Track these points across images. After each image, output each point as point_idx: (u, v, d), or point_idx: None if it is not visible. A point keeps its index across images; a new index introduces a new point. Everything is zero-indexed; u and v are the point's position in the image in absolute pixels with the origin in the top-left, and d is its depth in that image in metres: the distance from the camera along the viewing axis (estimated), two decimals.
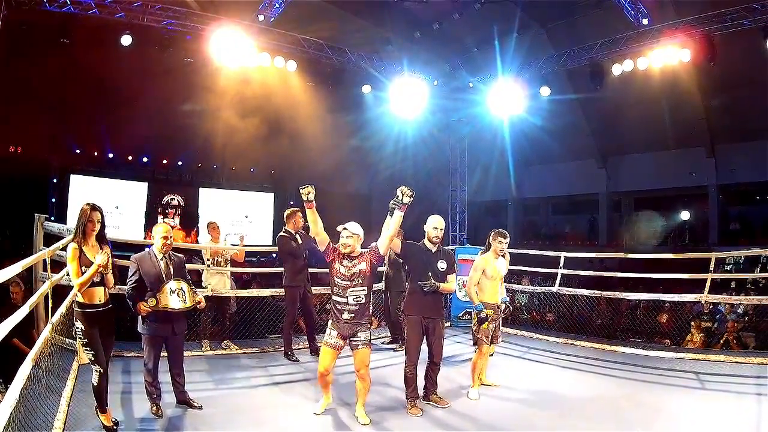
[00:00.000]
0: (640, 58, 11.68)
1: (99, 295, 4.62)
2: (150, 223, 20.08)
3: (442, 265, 5.68)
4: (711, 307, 10.91)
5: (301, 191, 5.04)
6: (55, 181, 19.43)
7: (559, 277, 9.70)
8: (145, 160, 21.51)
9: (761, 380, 6.69)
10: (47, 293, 5.01)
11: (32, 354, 4.19)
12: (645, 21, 11.42)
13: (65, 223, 7.14)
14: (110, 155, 20.57)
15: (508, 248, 6.64)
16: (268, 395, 6.17)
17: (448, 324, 10.28)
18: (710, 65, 11.46)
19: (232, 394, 6.11)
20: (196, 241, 19.23)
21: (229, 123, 18.01)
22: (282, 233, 7.80)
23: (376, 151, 20.83)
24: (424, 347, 5.74)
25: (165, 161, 22.04)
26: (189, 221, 22.03)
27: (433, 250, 5.72)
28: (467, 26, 15.61)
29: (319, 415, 5.37)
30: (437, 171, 18.97)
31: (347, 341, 5.17)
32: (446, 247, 6.06)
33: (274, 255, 13.51)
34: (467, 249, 11.01)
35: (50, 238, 6.34)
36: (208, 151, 21.25)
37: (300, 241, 7.65)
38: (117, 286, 5.30)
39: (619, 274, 10.05)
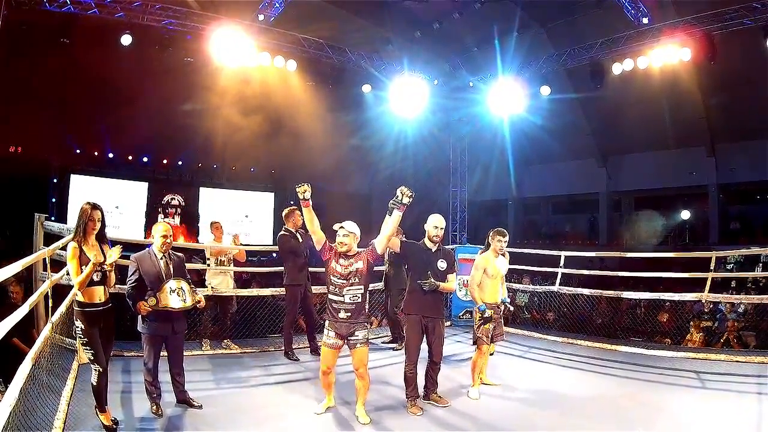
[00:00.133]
0: (640, 57, 11.66)
1: (99, 294, 4.62)
2: (150, 223, 20.06)
3: (442, 265, 5.67)
4: (711, 306, 10.90)
5: (297, 190, 5.02)
6: (55, 181, 19.44)
7: (559, 276, 9.69)
8: (145, 159, 21.53)
9: (762, 379, 6.69)
10: (47, 292, 5.01)
11: (32, 353, 4.20)
12: (645, 20, 11.40)
13: (65, 223, 7.14)
14: (110, 155, 20.60)
15: (508, 247, 6.65)
16: (268, 394, 6.17)
17: (448, 323, 10.28)
18: (710, 64, 11.44)
19: (232, 394, 6.11)
20: (197, 241, 19.27)
21: (230, 122, 18.04)
22: (282, 232, 7.80)
23: (376, 151, 20.84)
24: (425, 346, 5.73)
25: (165, 161, 22.05)
26: (189, 221, 22.05)
27: (433, 249, 5.71)
28: (467, 26, 15.61)
29: (319, 415, 5.37)
30: (437, 170, 18.97)
31: (345, 340, 5.16)
32: (446, 247, 6.04)
33: (274, 255, 13.49)
34: (467, 248, 11.00)
35: (50, 238, 6.35)
36: (208, 150, 21.28)
37: (300, 240, 7.66)
38: (117, 286, 5.30)
39: (620, 273, 10.05)
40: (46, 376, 4.93)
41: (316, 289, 8.39)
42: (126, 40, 10.70)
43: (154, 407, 5.16)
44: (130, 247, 5.76)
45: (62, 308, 5.46)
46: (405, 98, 13.58)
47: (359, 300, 5.13)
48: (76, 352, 6.24)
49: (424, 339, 5.72)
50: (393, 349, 8.46)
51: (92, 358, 4.57)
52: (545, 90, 13.48)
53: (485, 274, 6.35)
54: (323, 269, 5.34)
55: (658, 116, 18.10)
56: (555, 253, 9.90)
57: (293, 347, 7.81)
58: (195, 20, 10.97)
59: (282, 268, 7.94)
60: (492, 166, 22.06)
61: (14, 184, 16.60)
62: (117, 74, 14.64)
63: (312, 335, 7.91)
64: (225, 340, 8.18)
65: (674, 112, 17.84)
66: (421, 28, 15.67)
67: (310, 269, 7.89)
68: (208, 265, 8.13)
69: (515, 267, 9.77)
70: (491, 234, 6.51)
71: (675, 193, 21.75)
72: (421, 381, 5.80)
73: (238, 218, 22.66)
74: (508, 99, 13.58)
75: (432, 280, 5.50)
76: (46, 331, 4.74)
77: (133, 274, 5.09)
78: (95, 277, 4.51)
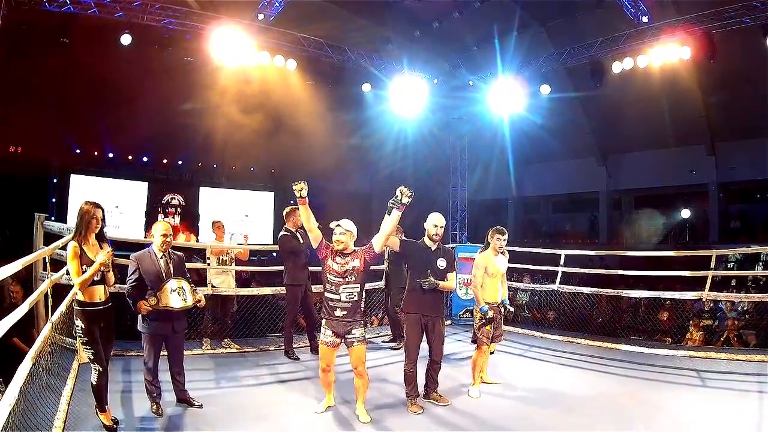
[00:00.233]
0: (640, 56, 11.66)
1: (99, 293, 4.61)
2: (150, 222, 20.07)
3: (441, 263, 5.66)
4: (712, 304, 10.90)
5: (293, 187, 5.01)
6: (55, 181, 19.45)
7: (559, 275, 9.69)
8: (145, 159, 21.53)
9: (762, 378, 6.70)
10: (47, 292, 5.01)
11: (32, 353, 4.19)
12: (645, 19, 11.39)
13: (65, 223, 7.14)
14: (110, 155, 20.60)
15: (507, 246, 6.65)
16: (268, 393, 6.17)
17: (448, 322, 10.29)
18: (710, 63, 11.42)
19: (232, 393, 6.11)
20: (197, 240, 19.28)
21: (230, 122, 18.04)
22: (283, 232, 7.80)
23: (376, 150, 20.83)
24: (425, 345, 5.73)
25: (165, 161, 22.06)
26: (189, 221, 22.06)
27: (433, 248, 5.71)
28: (467, 25, 15.60)
29: (320, 414, 5.38)
30: (437, 169, 18.96)
31: (342, 338, 5.16)
32: (446, 246, 6.03)
33: (274, 254, 13.50)
34: (468, 247, 11.01)
35: (50, 238, 6.35)
36: (208, 150, 21.28)
37: (301, 240, 7.65)
38: (117, 285, 5.31)
39: (620, 272, 10.05)
40: (46, 375, 4.93)
41: (315, 288, 8.39)
42: (126, 39, 10.70)
43: (155, 407, 5.16)
44: (130, 247, 5.76)
45: (62, 308, 5.46)
46: (405, 97, 13.59)
47: (355, 298, 5.13)
48: (76, 351, 6.24)
49: (425, 338, 5.72)
50: (392, 348, 8.46)
51: (92, 357, 4.57)
52: (545, 89, 13.48)
53: (485, 273, 6.35)
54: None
55: (658, 115, 18.07)
56: (555, 251, 9.90)
57: (293, 346, 7.81)
58: (194, 20, 10.97)
59: (282, 267, 7.95)
60: (492, 165, 22.04)
61: (14, 184, 16.60)
62: (117, 74, 14.63)
63: (312, 334, 7.91)
64: (225, 340, 8.19)
65: (674, 110, 17.82)
66: (420, 27, 15.67)
67: (310, 268, 7.89)
68: (209, 264, 8.13)
69: (516, 266, 9.82)
70: (490, 232, 6.50)
71: (675, 192, 21.72)
72: (421, 380, 5.79)
73: (238, 218, 22.66)
74: (508, 98, 13.58)
75: (431, 278, 5.49)
76: (46, 331, 4.74)
77: (133, 273, 5.09)
78: (95, 277, 4.51)
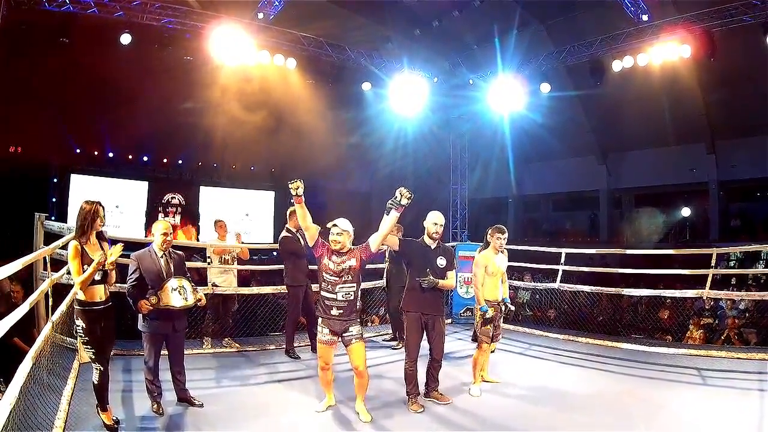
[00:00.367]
0: (640, 54, 11.66)
1: (100, 293, 4.61)
2: (150, 222, 20.08)
3: (441, 262, 5.66)
4: (712, 303, 10.90)
5: (290, 186, 4.97)
6: (55, 180, 19.45)
7: (560, 273, 9.68)
8: (145, 159, 21.55)
9: (763, 376, 6.69)
10: (47, 291, 5.01)
11: (32, 352, 4.19)
12: (645, 17, 11.39)
13: (65, 223, 7.13)
14: (110, 154, 20.61)
15: (507, 244, 6.64)
16: (269, 393, 6.17)
17: (449, 321, 10.29)
18: (710, 61, 11.42)
19: (233, 392, 6.11)
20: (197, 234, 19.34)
21: (230, 121, 18.05)
22: (285, 233, 7.80)
23: (376, 149, 20.84)
24: (425, 344, 5.73)
25: (165, 160, 22.07)
26: (190, 220, 22.07)
27: (433, 247, 5.70)
28: (467, 23, 15.61)
29: (320, 413, 5.38)
30: (437, 168, 18.99)
31: (340, 336, 5.14)
32: (446, 244, 6.03)
33: (274, 253, 13.50)
34: (468, 246, 11.01)
35: (50, 238, 6.34)
36: (208, 149, 21.30)
37: (302, 242, 7.65)
38: (117, 285, 5.31)
39: (620, 270, 10.05)
40: (47, 375, 4.93)
41: (315, 287, 8.38)
42: (125, 39, 10.71)
43: (155, 406, 5.16)
44: (130, 246, 5.76)
45: (63, 307, 5.46)
46: (405, 96, 13.60)
47: (352, 297, 5.12)
48: (76, 351, 6.24)
49: (425, 336, 5.72)
50: (392, 347, 8.46)
51: (93, 357, 4.57)
52: (545, 87, 13.49)
53: (485, 271, 6.34)
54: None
55: (658, 113, 18.08)
56: (556, 250, 9.90)
57: (294, 345, 7.82)
58: (194, 19, 10.98)
59: (282, 266, 7.96)
60: (492, 163, 22.07)
61: (14, 184, 16.60)
62: (116, 73, 14.63)
63: (313, 333, 7.89)
64: (225, 339, 8.19)
65: (674, 109, 17.82)
66: (420, 25, 15.68)
67: (310, 267, 7.89)
68: (209, 264, 8.12)
69: (516, 264, 9.84)
70: (490, 231, 6.50)
71: (675, 190, 21.72)
72: (421, 378, 5.79)
73: (238, 217, 22.66)
74: (508, 96, 13.60)
75: (431, 277, 5.49)
76: (46, 331, 4.74)
77: (133, 272, 5.09)
78: (96, 276, 4.51)
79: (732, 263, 16.83)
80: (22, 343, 5.73)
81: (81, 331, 4.54)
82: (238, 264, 8.51)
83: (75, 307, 4.59)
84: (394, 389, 6.20)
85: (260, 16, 11.55)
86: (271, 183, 24.28)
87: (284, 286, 7.97)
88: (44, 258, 5.58)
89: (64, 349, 6.11)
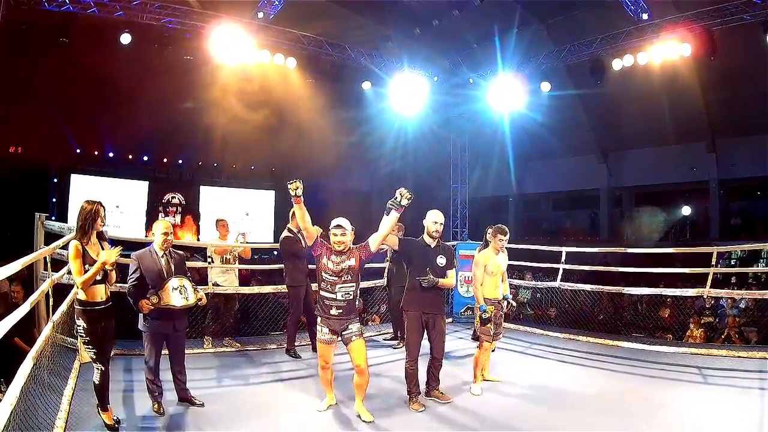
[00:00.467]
0: (640, 53, 11.67)
1: (100, 293, 4.61)
2: (151, 222, 20.09)
3: (441, 261, 5.65)
4: (713, 302, 10.91)
5: (288, 186, 4.91)
6: (55, 180, 19.45)
7: (560, 272, 9.68)
8: (145, 158, 21.55)
9: (763, 375, 6.69)
10: (48, 291, 5.01)
11: (33, 352, 4.19)
12: (645, 16, 11.40)
13: (66, 223, 7.13)
14: (110, 154, 20.63)
15: (508, 244, 6.63)
16: (270, 392, 6.17)
17: (449, 320, 10.28)
18: (710, 60, 11.44)
19: (234, 392, 6.11)
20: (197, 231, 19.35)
21: (230, 120, 18.03)
22: (286, 233, 7.79)
23: (376, 148, 20.84)
24: (426, 343, 5.73)
25: (165, 160, 22.08)
26: (191, 218, 22.09)
27: (432, 245, 5.69)
28: (467, 22, 15.60)
29: (322, 412, 5.38)
30: (438, 167, 18.99)
31: (339, 335, 5.13)
32: (447, 243, 6.03)
33: (275, 252, 13.51)
34: (468, 244, 11.01)
35: (51, 238, 6.34)
36: (208, 149, 21.30)
37: (303, 243, 7.65)
38: (117, 285, 5.31)
39: (621, 269, 10.04)
40: (48, 375, 4.93)
41: (315, 286, 8.38)
42: (125, 38, 10.73)
43: (156, 406, 5.15)
44: (131, 246, 5.76)
45: (63, 307, 5.46)
46: (405, 95, 13.62)
47: (351, 297, 5.11)
48: (77, 351, 6.24)
49: (426, 335, 5.72)
50: (393, 347, 8.46)
51: (94, 357, 4.57)
52: (545, 86, 13.51)
53: (485, 271, 6.34)
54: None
55: (659, 112, 18.07)
56: (556, 248, 9.90)
57: (295, 344, 7.82)
58: (194, 18, 10.98)
59: (282, 265, 7.96)
60: (492, 162, 22.09)
61: (15, 185, 16.60)
62: (117, 73, 14.63)
63: (313, 332, 7.89)
64: (226, 338, 8.19)
65: (674, 107, 17.81)
66: (420, 25, 15.67)
67: (309, 266, 7.88)
68: (210, 263, 8.11)
69: (517, 263, 9.84)
70: (492, 232, 6.49)
71: (676, 189, 21.73)
72: (422, 377, 5.79)
73: (238, 216, 22.66)
74: (509, 95, 13.62)
75: (431, 276, 5.48)
76: (47, 331, 4.74)
77: (134, 272, 5.08)
78: (97, 276, 4.51)
79: (733, 262, 16.82)
80: (22, 344, 5.73)
81: (82, 331, 4.53)
82: (239, 263, 8.50)
83: (76, 307, 4.59)
84: (394, 388, 6.20)
85: (260, 15, 11.56)
86: (271, 182, 24.29)
87: (284, 286, 7.96)
88: (45, 258, 5.58)
89: (64, 349, 6.10)
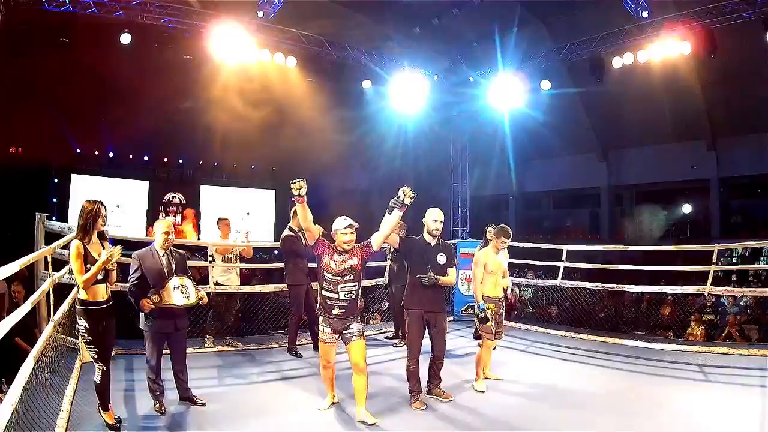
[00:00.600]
0: (640, 51, 11.65)
1: (102, 292, 4.61)
2: (151, 221, 20.05)
3: (441, 258, 5.65)
4: (713, 299, 10.91)
5: (292, 186, 4.89)
6: (56, 181, 19.45)
7: (561, 270, 9.69)
8: (146, 158, 21.55)
9: (764, 372, 6.69)
10: (49, 291, 5.01)
11: (34, 352, 4.20)
12: (645, 14, 11.37)
13: (67, 223, 7.13)
14: (111, 154, 20.64)
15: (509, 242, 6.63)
16: (271, 391, 6.18)
17: (451, 318, 10.29)
18: (711, 58, 11.41)
19: (235, 391, 6.12)
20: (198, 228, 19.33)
21: (230, 120, 17.99)
22: (288, 232, 7.79)
23: (376, 147, 20.82)
24: (427, 341, 5.73)
25: (166, 159, 22.07)
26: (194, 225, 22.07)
27: (433, 244, 5.70)
28: (467, 21, 15.57)
29: (323, 411, 5.38)
30: (438, 166, 18.95)
31: (340, 334, 5.12)
32: (447, 241, 6.03)
33: (275, 251, 13.51)
34: (469, 243, 11.03)
35: (52, 238, 6.34)
36: (208, 148, 21.26)
37: (304, 242, 7.64)
38: (119, 284, 5.31)
39: (622, 267, 10.05)
40: (49, 375, 4.94)
41: (315, 285, 8.38)
42: (125, 38, 10.72)
43: (157, 405, 5.15)
44: (132, 246, 5.76)
45: (64, 307, 5.46)
46: (405, 94, 13.60)
47: (354, 297, 5.10)
48: (78, 351, 6.24)
49: (427, 334, 5.72)
50: (394, 345, 8.47)
51: (96, 356, 4.57)
52: (545, 84, 13.48)
53: (485, 269, 6.35)
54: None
55: (659, 110, 18.08)
56: (557, 246, 9.90)
57: (296, 343, 7.82)
58: (194, 18, 10.97)
59: (281, 264, 7.97)
60: (493, 161, 22.11)
61: (15, 185, 16.59)
62: (117, 73, 14.61)
63: (314, 331, 7.90)
64: (227, 337, 8.19)
65: (675, 106, 17.81)
66: (420, 24, 15.65)
67: (309, 265, 7.88)
68: (211, 262, 8.10)
69: (518, 261, 9.84)
70: (494, 232, 6.49)
71: (676, 187, 21.75)
72: (423, 375, 5.80)
73: (239, 215, 22.64)
74: (509, 94, 13.60)
75: (431, 274, 5.49)
76: (48, 330, 4.74)
77: (135, 271, 5.08)
78: (99, 275, 4.51)
79: (734, 260, 16.82)
80: (23, 343, 5.74)
81: (83, 330, 4.54)
82: (241, 262, 8.50)
83: (77, 306, 4.59)
84: (396, 387, 6.21)
85: (260, 14, 11.54)
86: (271, 181, 24.27)
87: (285, 285, 7.96)
88: (45, 258, 5.58)
89: (66, 348, 6.10)
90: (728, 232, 19.13)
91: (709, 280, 8.09)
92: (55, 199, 19.20)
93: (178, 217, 21.73)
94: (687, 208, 21.45)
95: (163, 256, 5.17)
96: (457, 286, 10.65)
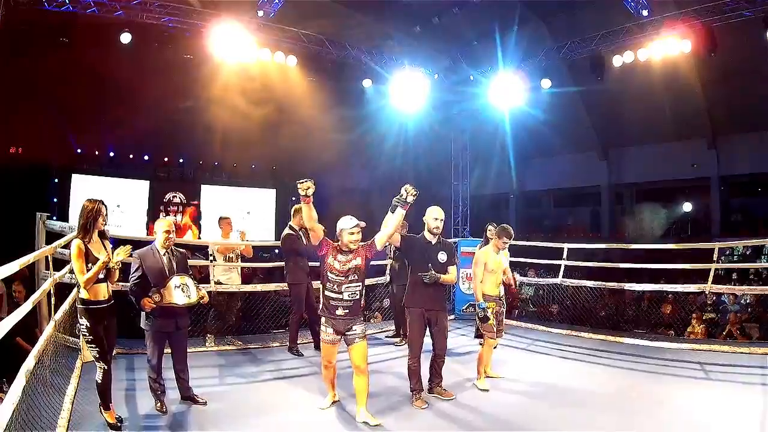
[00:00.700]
0: (640, 49, 11.64)
1: (103, 291, 4.62)
2: (152, 221, 20.07)
3: (442, 257, 5.66)
4: (714, 298, 10.91)
5: (299, 186, 4.81)
6: (56, 180, 19.43)
7: (562, 268, 9.69)
8: (146, 158, 21.52)
9: (766, 371, 6.69)
10: (50, 291, 5.01)
11: (35, 351, 4.20)
12: (645, 12, 11.38)
13: (67, 223, 7.14)
14: (111, 154, 20.62)
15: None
16: (273, 390, 6.18)
17: (452, 317, 10.29)
18: (711, 56, 11.40)
19: (236, 390, 6.11)
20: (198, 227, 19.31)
21: (230, 119, 17.99)
22: (289, 231, 7.78)
23: (377, 146, 20.82)
24: (428, 340, 5.73)
25: (166, 159, 22.04)
26: (192, 218, 22.06)
27: (433, 242, 5.70)
28: (467, 20, 15.57)
29: (325, 410, 5.38)
30: (438, 165, 18.96)
31: (343, 335, 5.09)
32: (447, 239, 6.03)
33: (276, 251, 13.53)
34: (470, 241, 11.03)
35: (52, 237, 6.34)
36: (209, 147, 21.24)
37: (305, 241, 7.65)
38: (120, 283, 5.31)
39: (623, 265, 10.05)
40: (50, 374, 4.94)
41: (315, 284, 8.37)
42: (125, 38, 10.72)
43: (159, 404, 5.15)
44: (133, 245, 5.76)
45: (65, 306, 5.46)
46: (406, 93, 13.60)
47: (357, 297, 5.07)
48: (79, 350, 6.24)
49: (428, 333, 5.72)
50: (395, 344, 8.47)
51: (97, 355, 4.57)
52: (546, 83, 13.48)
53: (485, 268, 6.35)
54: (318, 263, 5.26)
55: (659, 109, 18.05)
56: (558, 245, 9.90)
57: (297, 342, 7.82)
58: (194, 17, 10.98)
59: (282, 263, 7.97)
60: (493, 159, 22.10)
61: (16, 185, 16.58)
62: (117, 73, 14.60)
63: (315, 330, 7.90)
64: (228, 336, 8.19)
65: (675, 104, 17.79)
66: (421, 22, 15.66)
67: (310, 264, 7.87)
68: (212, 261, 8.09)
69: (519, 260, 9.84)
70: (496, 232, 6.49)
71: (676, 186, 21.72)
72: (425, 374, 5.80)
73: (239, 215, 22.63)
74: (509, 92, 13.60)
75: (433, 272, 5.49)
76: (49, 330, 4.75)
77: (136, 270, 5.08)
78: (100, 274, 4.51)
79: (736, 258, 16.81)
80: (24, 343, 5.74)
81: (85, 329, 4.54)
82: (242, 261, 8.50)
83: (78, 306, 4.59)
84: (397, 385, 6.21)
85: (260, 13, 11.54)
86: (272, 181, 24.26)
87: (286, 284, 7.96)
88: (46, 257, 5.58)
89: (67, 348, 6.11)
90: (728, 231, 19.11)
91: (710, 278, 8.08)
92: (55, 199, 19.18)
93: (179, 217, 21.73)
94: (687, 207, 21.43)
95: (164, 255, 5.18)
96: (458, 285, 10.66)
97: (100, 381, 4.61)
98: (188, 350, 5.59)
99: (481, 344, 6.46)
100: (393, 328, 9.14)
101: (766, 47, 10.48)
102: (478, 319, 6.30)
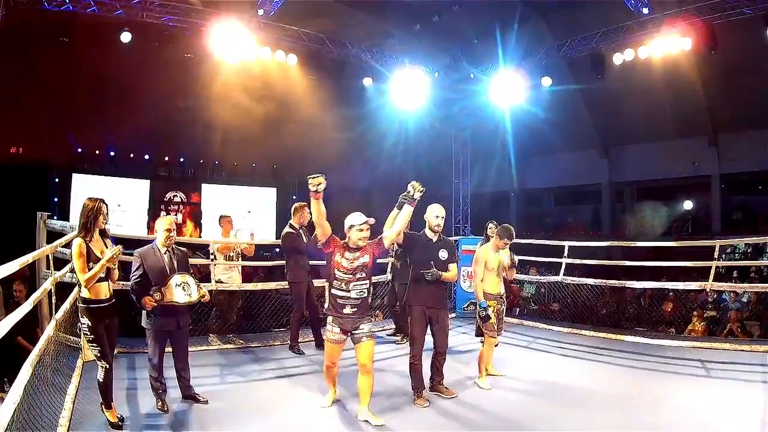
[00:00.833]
0: (641, 47, 11.62)
1: (104, 290, 4.62)
2: (153, 220, 20.07)
3: (443, 254, 5.66)
4: (715, 296, 10.90)
5: (310, 181, 4.77)
6: (56, 180, 19.42)
7: (563, 266, 9.69)
8: (146, 157, 21.50)
9: (767, 368, 6.70)
10: (51, 290, 5.01)
11: (36, 351, 4.20)
12: (645, 10, 11.36)
13: (68, 222, 7.14)
14: (112, 153, 20.60)
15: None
16: (274, 389, 6.19)
17: (453, 315, 10.30)
18: (711, 54, 11.38)
19: (237, 389, 6.12)
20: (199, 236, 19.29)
21: (230, 118, 17.98)
22: (289, 229, 7.78)
23: (377, 144, 20.80)
24: (429, 338, 5.73)
25: (167, 158, 22.01)
26: (193, 217, 22.07)
27: (434, 240, 5.71)
28: (467, 18, 15.56)
29: (326, 408, 5.38)
30: (439, 163, 18.94)
31: (349, 334, 5.06)
32: (447, 237, 6.03)
33: (277, 249, 13.53)
34: (471, 239, 11.03)
35: (53, 237, 6.34)
36: (209, 146, 21.22)
37: (305, 239, 7.65)
38: (120, 282, 5.31)
39: (624, 263, 10.04)
40: (51, 374, 4.94)
41: (317, 283, 8.37)
42: (125, 37, 10.71)
43: (160, 403, 5.16)
44: (134, 244, 5.76)
45: (66, 305, 5.46)
46: (406, 91, 13.59)
47: (365, 295, 5.04)
48: (81, 350, 6.25)
49: (429, 330, 5.72)
50: (396, 342, 8.47)
51: (98, 355, 4.57)
52: (546, 81, 13.47)
53: (486, 267, 6.34)
54: (322, 262, 5.24)
55: (660, 106, 18.00)
56: (559, 243, 9.90)
57: (298, 341, 7.82)
58: (194, 16, 10.96)
59: (282, 262, 7.97)
60: (494, 158, 22.05)
61: (16, 184, 16.59)
62: (117, 72, 14.62)
63: (317, 329, 7.91)
64: (229, 335, 8.20)
65: (675, 102, 17.75)
66: (421, 21, 15.65)
67: (311, 262, 7.87)
68: (212, 260, 8.09)
69: (520, 258, 9.82)
70: (497, 231, 6.48)
71: (677, 184, 21.66)
72: (426, 372, 5.80)
73: (240, 214, 22.62)
74: (510, 90, 13.58)
75: (434, 269, 5.49)
76: (50, 329, 4.75)
77: (137, 269, 5.08)
78: (101, 273, 4.51)
79: (737, 256, 16.80)
80: (25, 342, 5.74)
81: (86, 329, 4.55)
82: (242, 260, 8.50)
83: (79, 305, 4.60)
84: (398, 384, 6.21)
85: (260, 12, 11.53)
86: (272, 179, 24.25)
87: (286, 282, 7.96)
88: (47, 256, 5.58)
89: (68, 347, 6.11)
90: (729, 229, 19.09)
91: (711, 276, 8.08)
92: (56, 199, 19.16)
93: (180, 216, 21.74)
94: (688, 205, 21.40)
95: (165, 253, 5.17)
96: (458, 283, 10.66)
97: (101, 380, 4.61)
98: (189, 349, 5.59)
99: (482, 342, 6.46)
100: (393, 326, 9.14)
101: (766, 45, 10.46)
102: (479, 318, 6.31)
